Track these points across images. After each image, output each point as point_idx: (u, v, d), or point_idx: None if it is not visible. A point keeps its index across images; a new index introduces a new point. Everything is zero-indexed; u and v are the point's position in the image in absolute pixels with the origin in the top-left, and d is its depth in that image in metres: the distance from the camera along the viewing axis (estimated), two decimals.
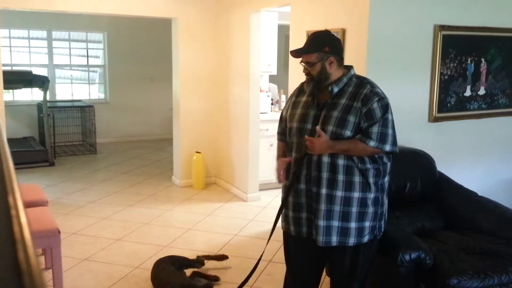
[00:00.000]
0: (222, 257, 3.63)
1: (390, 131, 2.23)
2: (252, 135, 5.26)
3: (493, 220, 3.05)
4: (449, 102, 3.76)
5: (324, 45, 2.27)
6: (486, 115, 3.97)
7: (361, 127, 2.21)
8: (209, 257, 3.61)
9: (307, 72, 2.31)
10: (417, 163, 3.27)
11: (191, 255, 3.77)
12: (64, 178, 6.32)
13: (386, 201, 2.37)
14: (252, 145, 5.28)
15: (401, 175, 3.07)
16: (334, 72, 2.28)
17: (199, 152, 5.80)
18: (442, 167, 3.39)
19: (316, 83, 2.29)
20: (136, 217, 4.78)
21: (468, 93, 3.84)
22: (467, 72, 3.80)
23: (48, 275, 3.19)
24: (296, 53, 2.32)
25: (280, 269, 3.35)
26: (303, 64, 2.32)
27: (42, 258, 3.59)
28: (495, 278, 2.57)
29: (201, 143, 5.90)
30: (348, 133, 2.20)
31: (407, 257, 2.51)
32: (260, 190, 5.39)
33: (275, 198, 5.34)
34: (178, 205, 5.21)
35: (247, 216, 4.78)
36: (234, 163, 5.60)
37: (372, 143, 2.19)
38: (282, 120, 2.56)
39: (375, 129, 2.19)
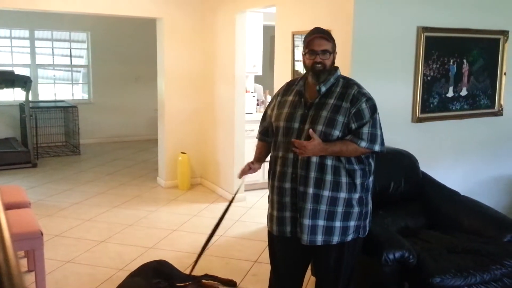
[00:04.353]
0: (230, 282, 3.40)
1: (378, 131, 2.26)
2: (237, 135, 5.26)
3: (475, 219, 3.10)
4: (432, 103, 3.80)
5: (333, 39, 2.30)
6: (468, 116, 4.03)
7: (350, 127, 2.22)
8: (217, 279, 3.40)
9: (320, 61, 2.25)
10: (401, 163, 3.30)
11: (176, 256, 3.75)
12: (47, 179, 6.24)
13: (370, 201, 2.38)
14: (238, 145, 5.27)
15: (385, 175, 3.10)
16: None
17: (185, 153, 5.78)
18: (425, 167, 3.43)
19: (328, 74, 2.27)
20: (121, 218, 4.74)
21: (450, 94, 3.89)
22: (450, 73, 3.85)
23: (31, 278, 3.15)
24: (321, 34, 2.25)
25: (265, 269, 3.35)
26: (318, 51, 2.24)
27: (24, 261, 3.55)
28: (477, 276, 2.61)
29: (187, 144, 5.88)
30: (337, 133, 2.21)
31: (391, 256, 2.53)
32: (246, 190, 5.39)
33: (261, 198, 5.34)
34: (163, 206, 5.18)
35: (232, 216, 4.77)
36: (220, 163, 5.59)
37: (363, 144, 2.20)
38: (265, 119, 2.56)
39: (365, 130, 2.21)
